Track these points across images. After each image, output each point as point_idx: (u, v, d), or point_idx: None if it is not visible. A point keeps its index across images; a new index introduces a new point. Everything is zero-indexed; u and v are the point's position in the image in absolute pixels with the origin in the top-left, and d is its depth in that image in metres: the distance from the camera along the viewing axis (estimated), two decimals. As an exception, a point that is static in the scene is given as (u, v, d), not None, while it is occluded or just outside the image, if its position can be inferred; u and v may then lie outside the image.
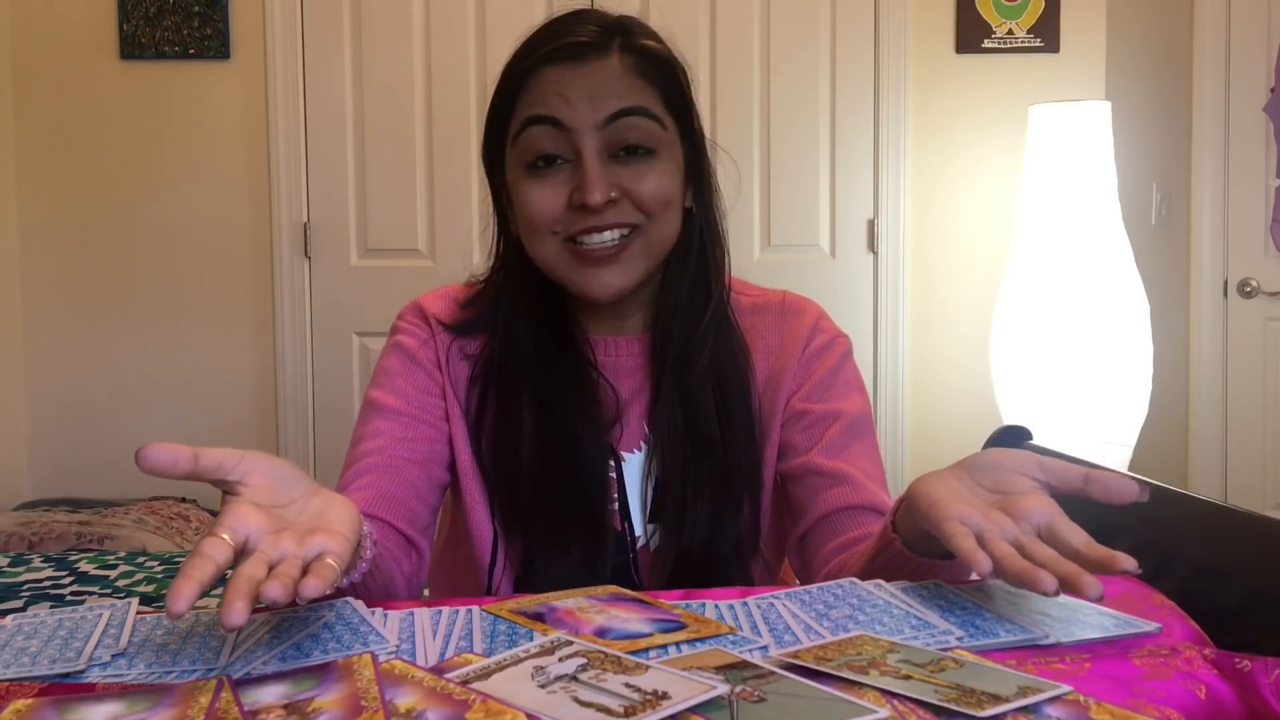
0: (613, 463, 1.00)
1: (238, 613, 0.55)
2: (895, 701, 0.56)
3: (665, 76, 0.96)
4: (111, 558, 1.57)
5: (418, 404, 1.00)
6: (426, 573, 1.00)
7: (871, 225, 2.86)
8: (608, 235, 0.92)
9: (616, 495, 1.00)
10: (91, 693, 0.59)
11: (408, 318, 1.04)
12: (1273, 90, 2.98)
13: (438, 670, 0.59)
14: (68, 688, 0.61)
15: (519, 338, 0.99)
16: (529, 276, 0.99)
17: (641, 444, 1.01)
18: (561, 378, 0.98)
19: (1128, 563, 0.66)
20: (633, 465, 1.01)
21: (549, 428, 0.97)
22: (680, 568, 0.95)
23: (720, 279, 1.01)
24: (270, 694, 0.56)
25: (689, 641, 0.66)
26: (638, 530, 1.00)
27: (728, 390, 0.99)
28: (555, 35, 0.94)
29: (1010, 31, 2.82)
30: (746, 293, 1.06)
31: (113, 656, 0.65)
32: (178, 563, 1.54)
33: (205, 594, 0.58)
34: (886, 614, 0.72)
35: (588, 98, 0.91)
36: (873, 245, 2.86)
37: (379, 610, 0.74)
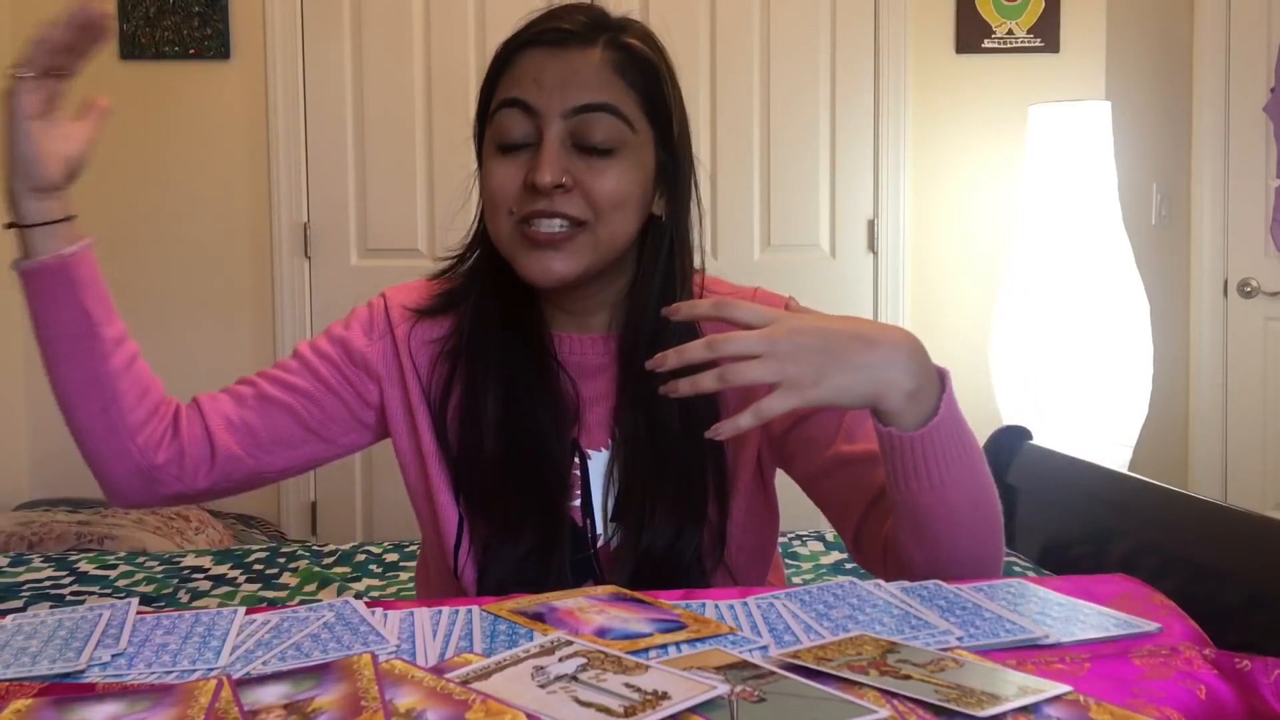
0: (577, 459, 1.01)
1: None
2: (895, 701, 0.56)
3: (646, 79, 0.96)
4: (111, 558, 1.56)
5: (330, 383, 1.03)
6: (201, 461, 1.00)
7: (871, 225, 2.86)
8: (556, 223, 0.92)
9: (580, 492, 1.00)
10: (91, 693, 0.59)
11: (365, 309, 1.07)
12: (1273, 90, 2.98)
13: (438, 670, 0.59)
14: (68, 688, 0.61)
15: (488, 316, 1.01)
16: (499, 260, 1.00)
17: (608, 442, 1.01)
18: (524, 367, 1.00)
19: None
20: (597, 463, 1.01)
21: (511, 415, 0.98)
22: (641, 569, 0.95)
23: (687, 286, 1.01)
24: (270, 694, 0.56)
25: (689, 641, 0.66)
26: (599, 528, 1.00)
27: (692, 398, 0.98)
28: (544, 20, 0.96)
29: (1010, 31, 2.82)
30: (717, 290, 1.05)
31: (113, 656, 0.65)
32: (177, 562, 1.54)
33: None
34: (886, 614, 0.72)
35: (560, 85, 0.92)
36: (873, 245, 2.86)
37: (379, 610, 0.74)
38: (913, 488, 0.82)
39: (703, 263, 1.05)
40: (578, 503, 1.00)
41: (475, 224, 1.05)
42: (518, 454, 0.98)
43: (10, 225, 0.90)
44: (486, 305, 1.01)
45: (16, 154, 0.87)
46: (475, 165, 1.02)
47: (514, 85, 0.94)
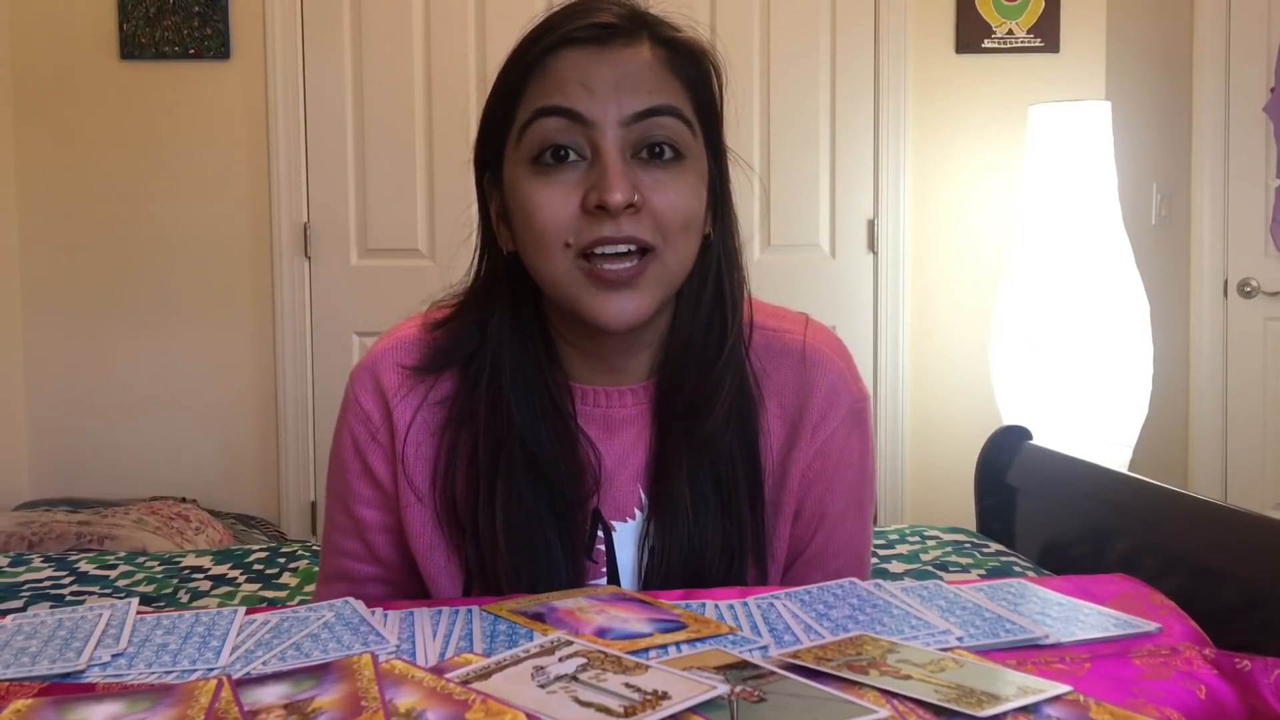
0: (602, 533, 0.88)
1: None
2: (895, 701, 0.56)
3: (699, 78, 0.85)
4: (111, 558, 1.56)
5: (389, 503, 0.91)
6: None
7: (871, 225, 2.86)
8: (624, 250, 0.78)
9: (605, 570, 0.89)
10: (91, 693, 0.59)
11: (358, 395, 0.91)
12: (1273, 90, 2.98)
13: (438, 670, 0.59)
14: (68, 688, 0.61)
15: (507, 365, 0.86)
16: (518, 302, 0.87)
17: (636, 512, 0.89)
18: (542, 433, 0.85)
19: None
20: (625, 534, 0.89)
21: (526, 491, 0.85)
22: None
23: (738, 315, 0.87)
24: (270, 694, 0.56)
25: (689, 641, 0.66)
26: None
27: (738, 448, 0.87)
28: (578, 15, 0.81)
29: (1010, 31, 2.82)
30: (763, 325, 0.91)
31: (113, 656, 0.65)
32: (177, 562, 1.54)
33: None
34: (886, 614, 0.72)
35: (613, 89, 0.78)
36: (873, 245, 2.86)
37: (379, 610, 0.74)
38: None
39: (749, 288, 0.90)
40: (603, 581, 0.89)
41: (477, 260, 0.90)
42: (530, 536, 0.85)
43: None
44: (501, 357, 0.86)
45: None
46: (476, 186, 0.89)
47: (554, 92, 0.79)
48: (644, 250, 0.79)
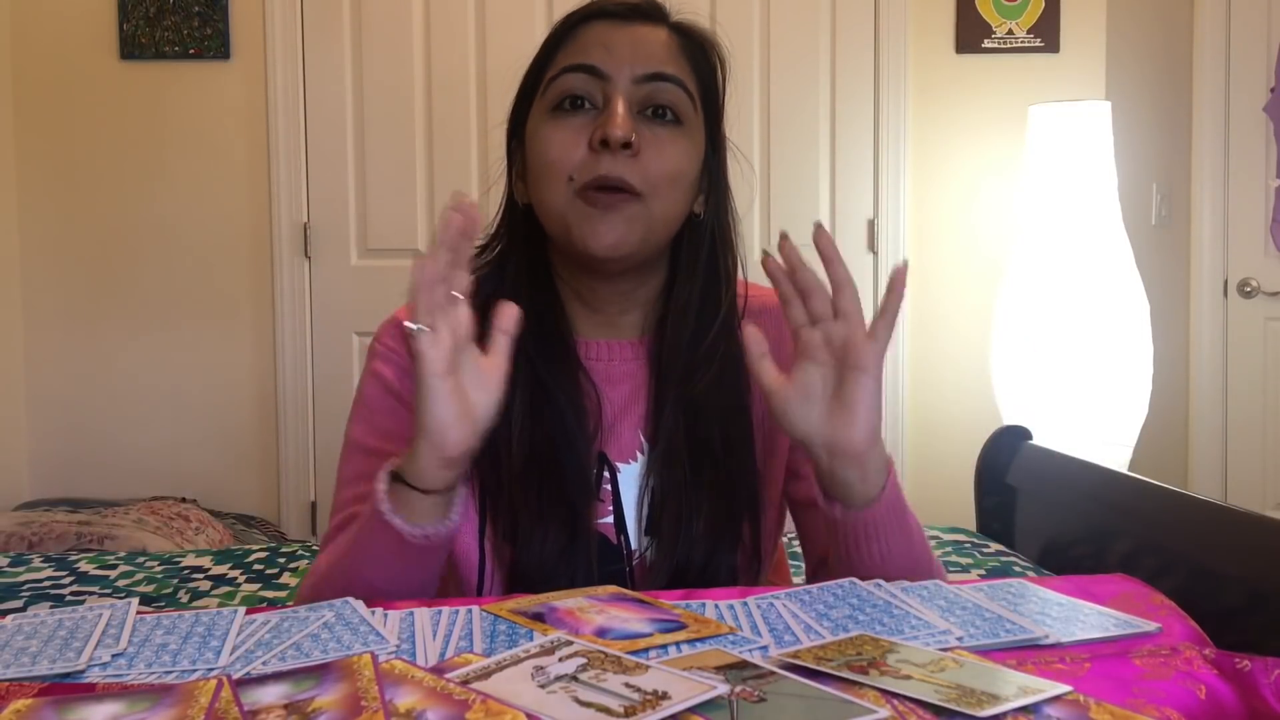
0: (608, 473, 0.96)
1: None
2: (895, 701, 0.56)
3: (706, 67, 0.96)
4: (111, 558, 1.56)
5: (401, 444, 0.93)
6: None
7: (871, 225, 2.86)
8: (614, 188, 0.88)
9: (612, 507, 0.96)
10: (91, 693, 0.59)
11: (385, 340, 0.99)
12: (1273, 90, 2.98)
13: (438, 670, 0.59)
14: (68, 688, 0.61)
15: (524, 303, 0.93)
16: (531, 253, 0.96)
17: (638, 454, 0.97)
18: (551, 374, 0.94)
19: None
20: (628, 475, 0.96)
21: (537, 428, 0.93)
22: (675, 584, 0.92)
23: (731, 288, 0.98)
24: (270, 694, 0.56)
25: (689, 641, 0.66)
26: (633, 544, 0.96)
27: (730, 404, 0.96)
28: None
29: (1010, 31, 2.82)
30: (759, 297, 1.02)
31: (113, 656, 0.65)
32: (177, 562, 1.54)
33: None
34: (886, 614, 0.72)
35: (630, 52, 0.90)
36: (873, 245, 2.86)
37: (379, 610, 0.74)
38: (855, 560, 0.84)
39: (745, 269, 1.01)
40: (610, 519, 0.95)
41: (500, 212, 1.00)
42: (540, 468, 0.92)
43: (396, 479, 0.81)
44: (519, 294, 0.91)
45: (428, 421, 0.77)
46: (481, 179, 0.99)
47: (579, 53, 0.91)
48: (633, 193, 0.88)
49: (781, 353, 0.95)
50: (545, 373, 0.93)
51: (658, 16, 0.95)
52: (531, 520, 0.91)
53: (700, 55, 0.96)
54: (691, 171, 0.93)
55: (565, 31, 0.94)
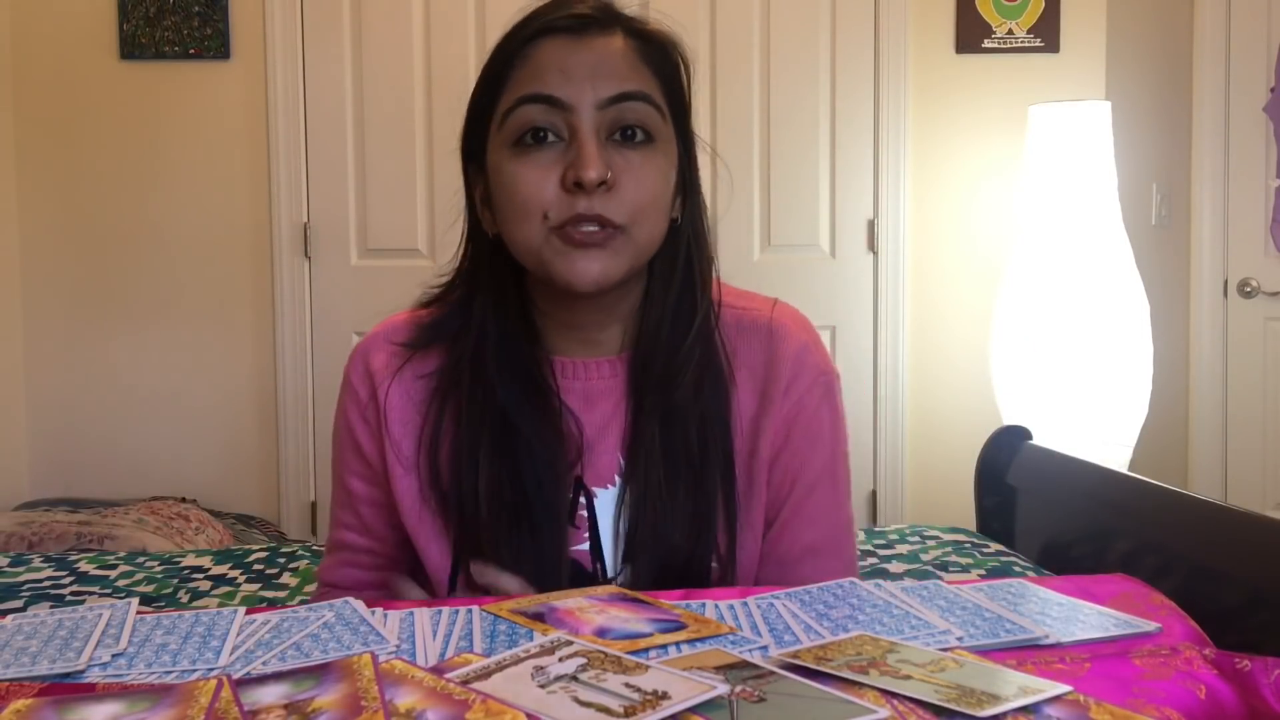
0: (584, 499, 0.93)
1: None
2: (895, 701, 0.56)
3: (668, 68, 0.90)
4: (111, 558, 1.56)
5: (377, 477, 0.97)
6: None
7: (871, 225, 2.86)
8: (595, 227, 0.84)
9: (588, 535, 0.93)
10: (91, 693, 0.59)
11: (351, 378, 0.98)
12: (1273, 90, 2.98)
13: (438, 670, 0.59)
14: (68, 688, 0.61)
15: (485, 347, 0.91)
16: (502, 282, 0.92)
17: (615, 478, 0.93)
18: (524, 403, 0.91)
19: None
20: (605, 501, 0.93)
21: (509, 460, 0.90)
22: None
23: (707, 294, 0.93)
24: (270, 694, 0.56)
25: (689, 641, 0.66)
26: (609, 570, 0.92)
27: (708, 410, 0.92)
28: (555, 8, 0.88)
29: (1010, 31, 2.82)
30: (732, 304, 0.97)
31: (113, 656, 0.65)
32: (177, 562, 1.54)
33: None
34: (886, 614, 0.72)
35: (589, 75, 0.84)
36: (873, 245, 2.86)
37: (379, 610, 0.74)
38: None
39: (717, 270, 0.97)
40: (585, 546, 0.92)
41: (464, 243, 0.96)
42: (513, 502, 0.90)
43: None
44: (485, 333, 0.92)
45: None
46: (462, 173, 0.94)
47: (533, 80, 0.85)
48: (614, 228, 0.84)
49: (766, 384, 0.94)
50: (515, 414, 0.90)
51: (611, 22, 0.88)
52: (501, 558, 0.89)
53: (661, 58, 0.90)
54: (669, 188, 0.90)
55: (515, 50, 0.87)
